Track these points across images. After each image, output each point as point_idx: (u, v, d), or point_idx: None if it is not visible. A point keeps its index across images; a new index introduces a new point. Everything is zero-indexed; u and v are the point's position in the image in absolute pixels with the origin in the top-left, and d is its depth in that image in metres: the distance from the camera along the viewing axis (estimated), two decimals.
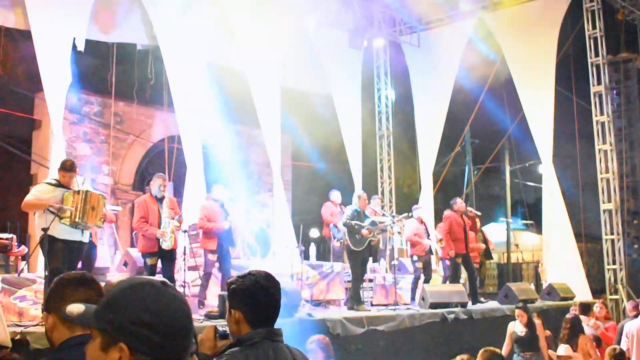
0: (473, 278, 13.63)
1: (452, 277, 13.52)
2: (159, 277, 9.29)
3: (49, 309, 2.60)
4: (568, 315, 10.34)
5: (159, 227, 9.62)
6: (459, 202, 13.71)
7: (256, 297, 3.08)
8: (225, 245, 10.79)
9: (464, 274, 16.08)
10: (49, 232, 7.97)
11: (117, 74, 16.58)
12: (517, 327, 10.17)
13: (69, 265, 8.18)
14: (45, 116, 14.69)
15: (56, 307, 2.52)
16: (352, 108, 18.96)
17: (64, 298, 2.52)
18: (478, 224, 15.20)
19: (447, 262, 13.81)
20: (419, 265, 13.43)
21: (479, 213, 14.98)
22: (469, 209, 14.65)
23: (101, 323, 1.76)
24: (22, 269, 9.94)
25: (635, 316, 10.73)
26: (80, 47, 13.25)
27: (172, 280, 9.64)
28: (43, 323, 2.67)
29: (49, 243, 8.03)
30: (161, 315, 1.75)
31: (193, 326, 1.83)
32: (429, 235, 13.75)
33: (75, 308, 1.84)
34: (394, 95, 20.64)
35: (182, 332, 1.78)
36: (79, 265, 8.88)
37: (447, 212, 13.68)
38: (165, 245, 9.58)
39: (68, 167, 8.54)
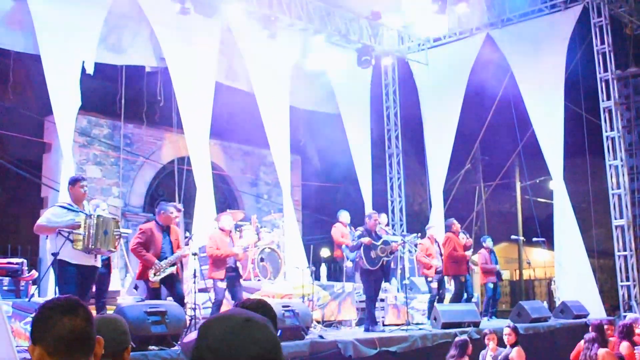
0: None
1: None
2: (169, 301, 9.26)
3: (34, 341, 2.36)
4: (587, 336, 10.03)
5: (159, 258, 9.47)
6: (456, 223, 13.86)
7: None
8: (233, 275, 10.71)
9: (475, 292, 16.03)
10: (61, 257, 7.92)
11: (127, 96, 16.61)
12: None
13: (81, 290, 8.12)
14: (55, 139, 14.72)
15: (42, 338, 2.34)
16: (361, 127, 18.97)
17: (48, 329, 2.35)
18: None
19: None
20: (434, 285, 13.34)
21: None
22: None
23: None
24: (33, 294, 9.91)
25: None
26: (90, 70, 13.32)
27: (182, 302, 9.53)
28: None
29: (61, 267, 7.99)
30: None
31: None
32: (441, 254, 13.67)
33: None
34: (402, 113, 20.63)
35: None
36: (93, 290, 8.83)
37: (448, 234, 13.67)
38: (154, 278, 9.39)
39: (75, 178, 8.54)
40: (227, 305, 10.94)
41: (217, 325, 1.84)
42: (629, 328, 9.91)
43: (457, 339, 10.17)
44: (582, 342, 9.71)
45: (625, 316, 14.23)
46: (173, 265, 9.52)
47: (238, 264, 10.95)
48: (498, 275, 15.36)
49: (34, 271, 10.71)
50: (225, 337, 1.79)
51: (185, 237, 10.77)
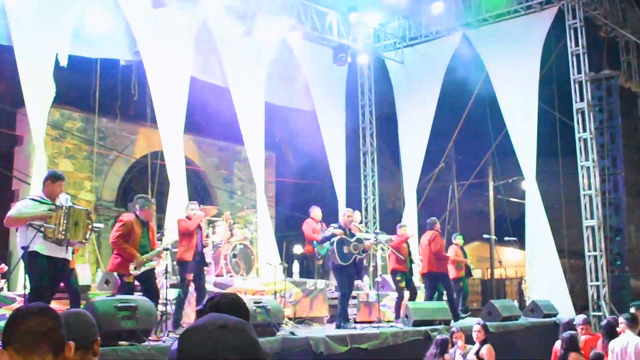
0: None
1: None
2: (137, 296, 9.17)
3: (4, 345, 2.38)
4: (565, 335, 10.04)
5: (138, 251, 9.38)
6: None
7: None
8: (199, 266, 10.68)
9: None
10: (34, 249, 7.81)
11: (101, 89, 16.50)
12: None
13: (51, 283, 8.03)
14: (27, 132, 14.59)
15: (11, 340, 2.35)
16: (336, 124, 18.98)
17: (16, 328, 2.37)
18: None
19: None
20: (402, 284, 13.26)
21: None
22: None
23: None
24: (2, 288, 9.82)
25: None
26: (63, 62, 13.14)
27: (156, 297, 9.46)
28: None
29: (33, 260, 7.86)
30: None
31: None
32: (410, 253, 13.66)
33: None
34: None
35: None
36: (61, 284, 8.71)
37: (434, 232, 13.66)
38: (135, 272, 9.30)
39: (58, 175, 8.43)
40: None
41: (193, 335, 1.85)
42: (611, 326, 9.97)
43: (437, 337, 10.22)
44: (557, 343, 9.75)
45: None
46: (152, 260, 9.47)
47: (205, 252, 10.92)
48: (468, 271, 15.43)
49: (3, 265, 10.62)
50: (201, 347, 1.80)
51: (158, 232, 10.71)
